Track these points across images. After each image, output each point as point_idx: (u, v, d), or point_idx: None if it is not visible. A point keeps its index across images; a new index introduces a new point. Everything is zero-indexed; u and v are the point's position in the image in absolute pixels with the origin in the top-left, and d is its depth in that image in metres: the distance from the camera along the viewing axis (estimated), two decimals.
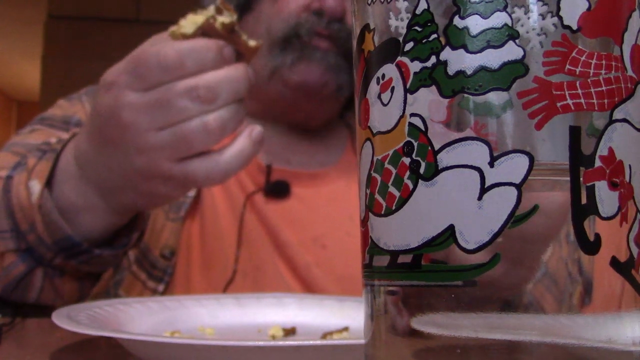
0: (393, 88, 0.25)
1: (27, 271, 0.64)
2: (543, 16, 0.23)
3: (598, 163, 0.23)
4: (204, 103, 0.54)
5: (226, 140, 0.57)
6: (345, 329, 0.54)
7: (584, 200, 0.22)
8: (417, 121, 0.24)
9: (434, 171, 0.23)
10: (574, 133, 0.23)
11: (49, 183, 0.61)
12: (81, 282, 0.68)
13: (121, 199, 0.61)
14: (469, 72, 0.23)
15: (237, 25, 0.58)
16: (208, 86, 0.54)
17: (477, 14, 0.23)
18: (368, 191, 0.26)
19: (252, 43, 0.59)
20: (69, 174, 0.61)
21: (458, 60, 0.23)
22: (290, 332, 0.55)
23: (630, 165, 0.23)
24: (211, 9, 0.57)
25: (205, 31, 0.57)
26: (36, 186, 0.61)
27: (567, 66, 0.23)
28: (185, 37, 0.56)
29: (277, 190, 0.85)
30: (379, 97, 0.25)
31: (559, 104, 0.22)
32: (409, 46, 0.24)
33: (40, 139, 0.77)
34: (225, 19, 0.57)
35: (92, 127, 0.59)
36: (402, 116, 0.24)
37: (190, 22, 0.57)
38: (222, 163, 0.56)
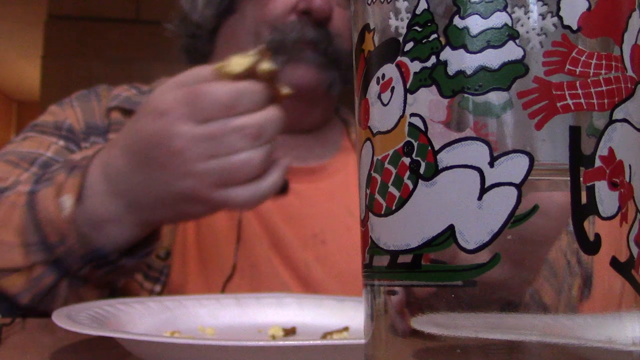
0: (393, 88, 0.25)
1: (55, 282, 0.67)
2: (543, 16, 0.23)
3: (598, 163, 0.23)
4: (252, 140, 0.60)
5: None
6: (345, 329, 0.54)
7: (584, 200, 0.22)
8: (417, 121, 0.24)
9: (434, 171, 0.23)
10: (574, 133, 0.23)
11: (79, 198, 0.65)
12: (101, 290, 0.71)
13: (149, 215, 0.65)
14: (469, 72, 0.23)
15: (275, 73, 0.62)
16: (257, 125, 0.60)
17: (477, 14, 0.23)
18: (368, 191, 0.26)
19: (284, 90, 0.63)
20: (97, 189, 0.65)
21: (458, 60, 0.23)
22: (290, 332, 0.55)
23: (630, 165, 0.23)
24: (256, 53, 0.62)
25: (248, 74, 0.61)
26: (68, 201, 0.64)
27: (567, 66, 0.23)
28: (231, 76, 0.61)
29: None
30: (379, 97, 0.25)
31: (559, 104, 0.22)
32: (409, 46, 0.24)
33: (32, 147, 0.80)
34: (267, 65, 0.62)
35: (131, 147, 0.63)
36: (402, 116, 0.24)
37: (235, 63, 0.61)
38: (260, 191, 0.62)
